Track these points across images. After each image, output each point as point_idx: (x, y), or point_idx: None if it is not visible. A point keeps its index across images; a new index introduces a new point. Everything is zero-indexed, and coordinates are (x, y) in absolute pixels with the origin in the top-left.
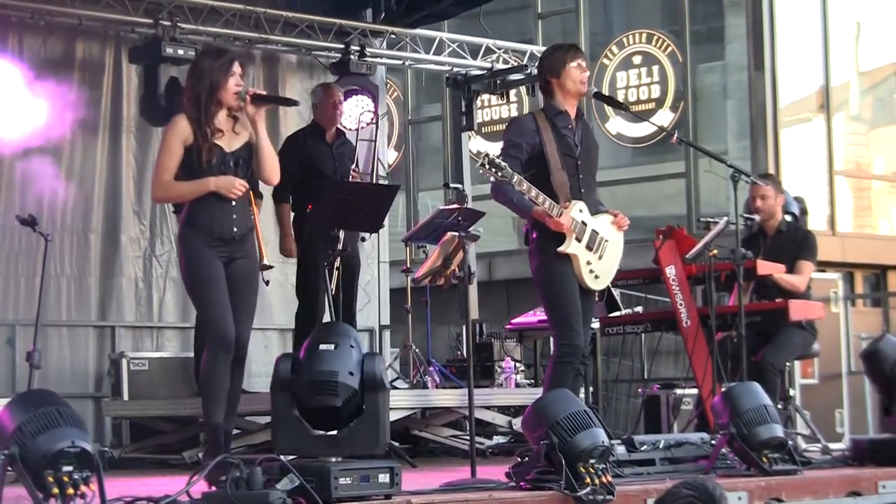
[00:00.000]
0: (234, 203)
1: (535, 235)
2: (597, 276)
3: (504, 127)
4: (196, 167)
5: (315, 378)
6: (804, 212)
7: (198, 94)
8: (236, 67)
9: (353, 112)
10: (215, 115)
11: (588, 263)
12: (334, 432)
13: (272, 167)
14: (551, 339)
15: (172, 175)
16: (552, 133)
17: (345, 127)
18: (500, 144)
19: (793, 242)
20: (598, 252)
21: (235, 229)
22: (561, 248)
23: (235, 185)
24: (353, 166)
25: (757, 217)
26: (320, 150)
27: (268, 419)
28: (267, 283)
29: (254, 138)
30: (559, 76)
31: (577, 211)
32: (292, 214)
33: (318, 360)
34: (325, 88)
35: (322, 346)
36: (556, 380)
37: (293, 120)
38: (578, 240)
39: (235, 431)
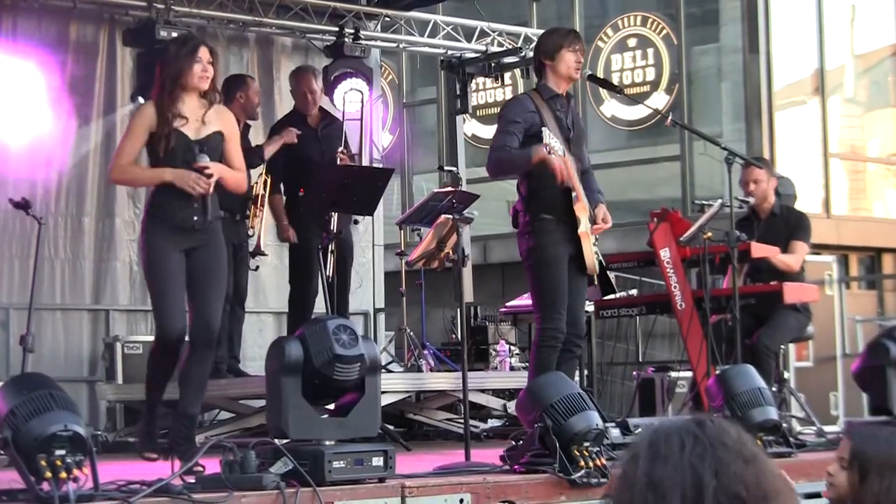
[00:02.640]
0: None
1: (527, 218)
2: (595, 252)
3: (498, 110)
4: (159, 154)
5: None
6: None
7: (163, 80)
8: (202, 53)
9: (347, 95)
10: (179, 101)
11: (594, 244)
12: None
13: (237, 187)
14: (534, 322)
15: (132, 159)
16: (549, 113)
17: (336, 106)
18: (496, 125)
19: (786, 225)
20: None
21: (196, 218)
22: (582, 230)
23: (192, 179)
24: (341, 148)
25: (752, 199)
26: (305, 135)
27: (262, 403)
28: (256, 268)
29: (225, 129)
30: (553, 59)
31: (584, 194)
32: (284, 199)
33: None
34: (296, 75)
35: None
36: (542, 364)
37: (289, 104)
38: (591, 221)
39: (230, 415)
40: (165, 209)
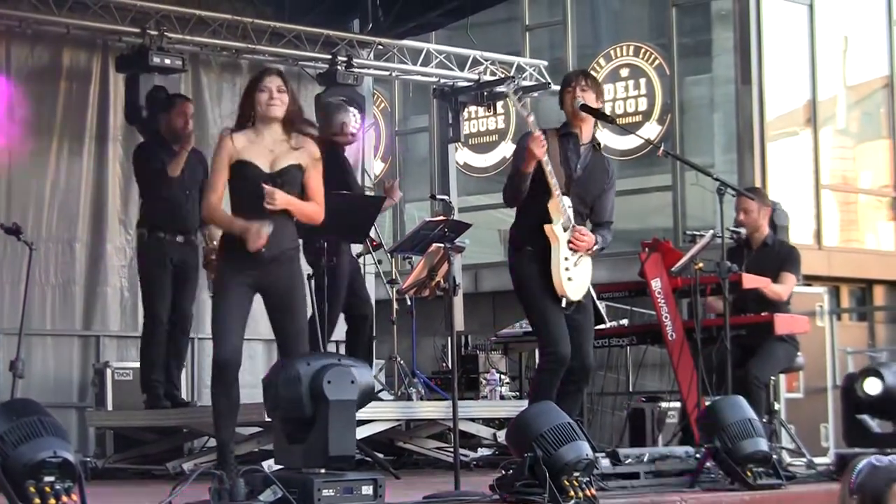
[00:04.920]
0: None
1: (511, 251)
2: (570, 279)
3: (492, 138)
4: (235, 187)
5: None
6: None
7: (240, 113)
8: (269, 82)
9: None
10: (253, 132)
11: (566, 259)
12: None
13: (308, 219)
14: (538, 350)
15: (220, 195)
16: (556, 148)
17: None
18: (513, 151)
19: (777, 256)
20: (575, 258)
21: (265, 250)
22: (548, 225)
23: (252, 234)
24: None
25: (743, 230)
26: None
27: (252, 430)
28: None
29: (304, 161)
30: (562, 104)
31: (567, 206)
32: None
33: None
34: None
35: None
36: (541, 389)
37: None
38: (564, 229)
39: None
40: (236, 241)
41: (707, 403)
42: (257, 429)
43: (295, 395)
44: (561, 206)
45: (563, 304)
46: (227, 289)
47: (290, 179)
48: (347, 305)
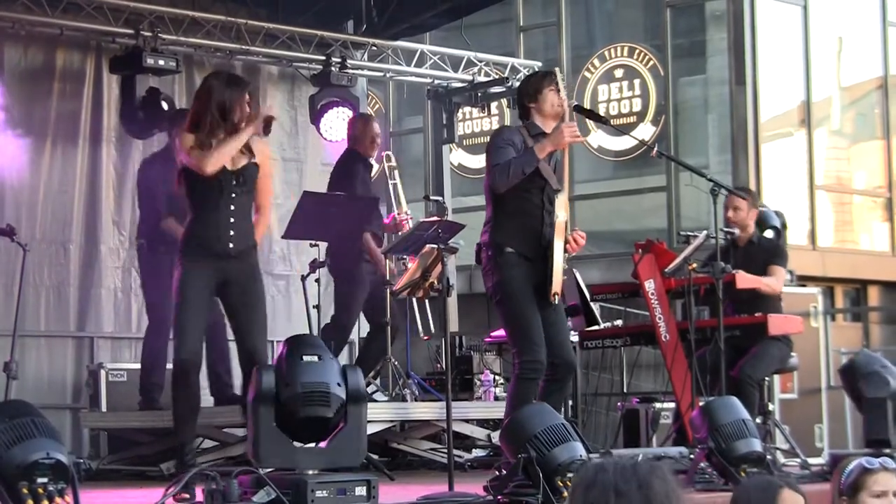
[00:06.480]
0: (231, 220)
1: (490, 253)
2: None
3: (486, 139)
4: (197, 184)
5: (308, 389)
6: (784, 226)
7: (200, 113)
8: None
9: (334, 124)
10: (217, 134)
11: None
12: (315, 445)
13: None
14: (513, 355)
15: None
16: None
17: (321, 135)
18: (487, 149)
19: (763, 252)
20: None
21: (232, 245)
22: (560, 221)
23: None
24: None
25: (737, 231)
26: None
27: (245, 431)
28: None
29: (259, 160)
30: (536, 100)
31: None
32: None
33: (306, 372)
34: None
35: (306, 358)
36: (521, 397)
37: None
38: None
39: (213, 444)
40: (199, 234)
41: (701, 404)
42: None
43: (341, 395)
44: (565, 202)
45: (557, 301)
46: (191, 287)
47: (249, 176)
48: (370, 315)
